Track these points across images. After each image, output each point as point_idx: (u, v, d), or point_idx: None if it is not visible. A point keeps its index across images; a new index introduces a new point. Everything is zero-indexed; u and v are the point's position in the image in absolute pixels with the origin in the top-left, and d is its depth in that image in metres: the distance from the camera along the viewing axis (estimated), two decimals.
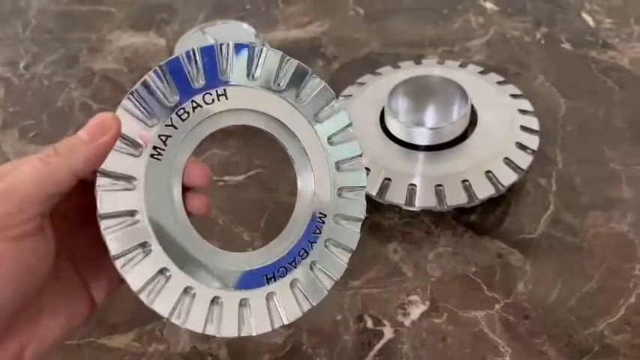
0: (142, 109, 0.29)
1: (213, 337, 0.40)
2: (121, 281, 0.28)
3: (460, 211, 0.45)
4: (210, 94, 0.31)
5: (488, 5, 0.64)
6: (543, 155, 0.48)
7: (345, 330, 0.40)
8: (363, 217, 0.34)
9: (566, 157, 0.48)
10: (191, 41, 0.56)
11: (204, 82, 0.31)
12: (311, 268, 0.32)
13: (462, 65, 0.53)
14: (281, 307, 0.31)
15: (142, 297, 0.28)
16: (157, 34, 0.67)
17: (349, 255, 0.33)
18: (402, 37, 0.62)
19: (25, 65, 0.65)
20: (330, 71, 0.59)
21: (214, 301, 0.29)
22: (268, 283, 0.31)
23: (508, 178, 0.43)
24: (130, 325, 0.42)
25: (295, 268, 0.32)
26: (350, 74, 0.56)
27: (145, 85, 0.30)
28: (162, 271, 0.28)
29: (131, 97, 0.29)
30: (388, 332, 0.40)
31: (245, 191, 0.50)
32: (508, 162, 0.44)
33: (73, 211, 0.29)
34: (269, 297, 0.31)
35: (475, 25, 0.62)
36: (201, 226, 0.47)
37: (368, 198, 0.44)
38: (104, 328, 0.42)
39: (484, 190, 0.43)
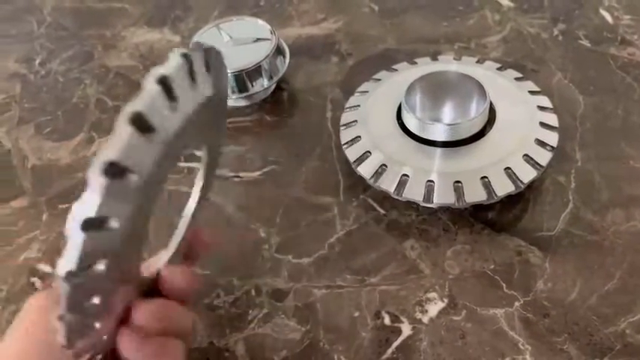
0: None
1: (230, 333, 0.40)
2: None
3: (478, 209, 0.45)
4: None
5: (504, 2, 0.64)
6: (562, 152, 0.47)
7: (362, 327, 0.40)
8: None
9: (586, 154, 0.48)
10: (207, 37, 0.56)
11: None
12: None
13: (480, 61, 0.52)
14: None
15: None
16: (172, 30, 0.67)
17: None
18: (418, 34, 0.62)
19: (40, 62, 0.65)
20: (345, 68, 0.59)
21: None
22: None
23: (528, 174, 0.42)
24: None
25: None
26: (365, 71, 0.56)
27: None
28: None
29: None
30: (406, 329, 0.40)
31: (260, 187, 0.49)
32: (527, 159, 0.43)
33: None
34: None
35: (491, 21, 0.62)
36: (217, 222, 0.47)
37: (386, 195, 0.44)
38: None
39: (503, 187, 0.42)
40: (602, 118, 0.51)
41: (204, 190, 0.34)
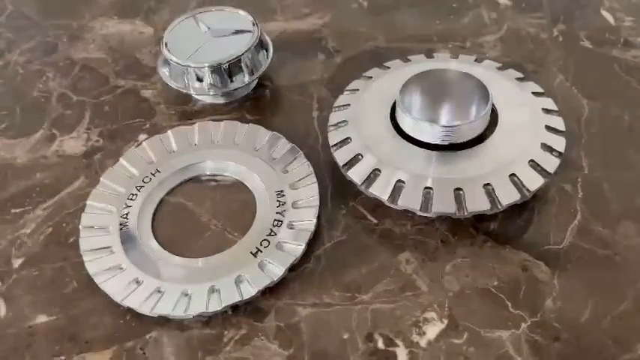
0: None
1: (203, 357, 0.35)
2: None
3: (479, 218, 0.41)
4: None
5: (501, 0, 0.60)
6: (567, 159, 0.44)
7: (353, 351, 0.35)
8: (316, 195, 0.42)
9: (592, 161, 0.44)
10: (182, 28, 0.52)
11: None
12: (279, 247, 0.39)
13: (478, 60, 0.48)
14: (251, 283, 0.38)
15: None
16: (145, 21, 0.62)
17: (314, 220, 0.41)
18: (410, 32, 0.58)
19: None
20: (333, 65, 0.55)
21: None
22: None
23: (534, 182, 0.39)
24: (108, 342, 0.36)
25: (262, 252, 0.39)
26: (355, 68, 0.51)
27: None
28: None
29: None
30: (402, 354, 0.35)
31: (239, 192, 0.45)
32: (534, 165, 0.39)
33: None
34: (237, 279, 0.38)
35: (487, 20, 0.58)
36: (192, 230, 0.42)
37: (379, 203, 0.40)
38: (77, 345, 0.36)
39: (508, 196, 0.38)
40: (608, 124, 0.47)
41: None
